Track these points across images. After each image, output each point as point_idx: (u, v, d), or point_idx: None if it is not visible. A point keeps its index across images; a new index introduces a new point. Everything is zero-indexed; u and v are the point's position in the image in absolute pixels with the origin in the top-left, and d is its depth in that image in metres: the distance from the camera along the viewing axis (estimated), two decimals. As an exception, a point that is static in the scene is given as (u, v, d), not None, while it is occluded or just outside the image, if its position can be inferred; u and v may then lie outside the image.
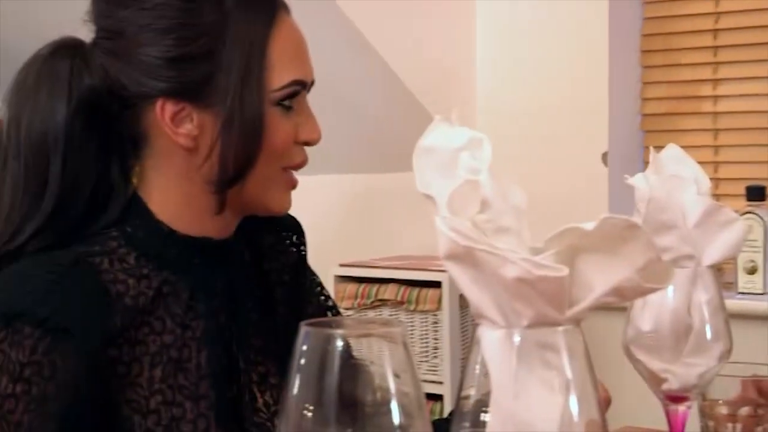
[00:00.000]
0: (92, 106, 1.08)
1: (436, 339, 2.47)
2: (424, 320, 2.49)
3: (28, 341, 0.99)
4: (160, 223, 1.11)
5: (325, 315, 1.28)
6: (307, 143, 1.15)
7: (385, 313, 2.54)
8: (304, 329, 0.64)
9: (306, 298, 1.29)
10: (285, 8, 1.13)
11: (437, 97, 2.66)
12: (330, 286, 2.60)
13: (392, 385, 0.65)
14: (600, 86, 2.65)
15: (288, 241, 1.29)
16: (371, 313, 2.55)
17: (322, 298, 1.32)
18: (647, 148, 2.73)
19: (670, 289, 0.97)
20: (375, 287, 2.54)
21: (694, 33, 2.69)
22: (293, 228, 1.30)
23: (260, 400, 1.14)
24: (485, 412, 0.64)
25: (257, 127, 1.07)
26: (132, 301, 1.06)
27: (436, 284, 2.47)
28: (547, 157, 2.70)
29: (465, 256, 0.61)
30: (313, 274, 1.33)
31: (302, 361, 0.64)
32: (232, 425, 1.11)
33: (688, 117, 2.73)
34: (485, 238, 0.60)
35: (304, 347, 0.64)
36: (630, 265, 0.60)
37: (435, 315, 2.47)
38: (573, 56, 2.68)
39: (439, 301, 2.45)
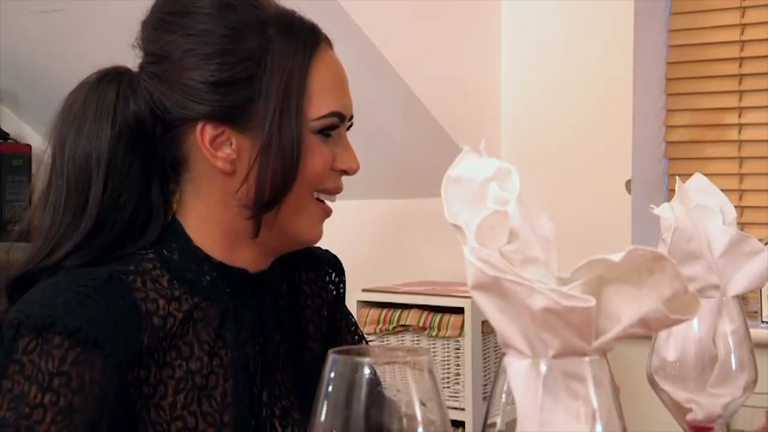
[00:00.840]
0: (136, 130, 1.11)
1: (457, 365, 2.47)
2: (446, 346, 2.49)
3: (58, 351, 1.00)
4: (197, 249, 1.13)
5: None
6: (345, 172, 1.17)
7: (407, 338, 2.54)
8: (331, 357, 0.65)
9: (340, 335, 1.30)
10: (327, 42, 1.16)
11: (461, 123, 2.67)
12: (353, 311, 2.60)
13: (419, 413, 0.65)
14: (624, 113, 2.65)
15: (327, 278, 1.31)
16: (393, 339, 2.55)
17: (356, 337, 1.33)
18: (671, 175, 2.73)
19: (696, 319, 0.97)
20: (397, 312, 2.55)
21: (719, 61, 2.69)
22: (333, 266, 1.33)
23: None
24: (511, 441, 0.64)
25: (295, 153, 1.09)
26: (160, 321, 1.08)
27: (459, 310, 2.46)
28: (570, 184, 2.70)
29: (493, 286, 0.61)
30: (348, 313, 1.35)
31: (329, 389, 0.65)
32: None
33: (713, 145, 2.72)
34: (513, 269, 0.61)
35: (332, 374, 0.65)
36: (657, 297, 0.60)
37: (457, 341, 2.47)
38: (597, 83, 2.69)
39: (462, 327, 2.45)
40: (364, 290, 2.62)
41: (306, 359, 1.23)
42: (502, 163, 0.66)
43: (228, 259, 1.14)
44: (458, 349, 2.46)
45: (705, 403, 0.98)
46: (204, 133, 1.10)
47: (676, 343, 0.98)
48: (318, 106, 1.11)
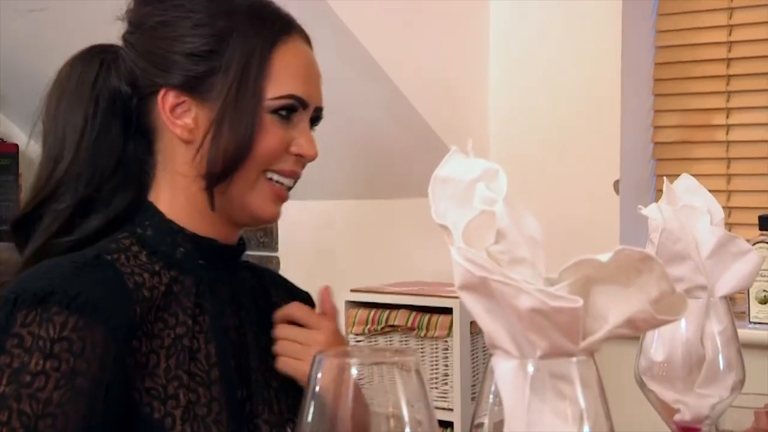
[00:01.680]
0: (114, 99, 1.19)
1: (446, 366, 2.47)
2: (434, 347, 2.49)
3: (59, 318, 1.03)
4: (170, 221, 1.19)
5: None
6: (301, 156, 1.21)
7: (396, 339, 2.54)
8: (317, 357, 0.65)
9: None
10: (302, 34, 1.22)
11: (449, 124, 2.67)
12: (341, 311, 2.60)
13: (406, 413, 0.65)
14: (613, 114, 2.65)
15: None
16: (381, 339, 2.55)
17: None
18: (659, 176, 2.73)
19: (683, 319, 0.97)
20: (386, 313, 2.54)
21: (707, 62, 2.69)
22: (306, 300, 1.37)
23: (275, 407, 1.20)
24: (498, 441, 0.64)
25: (248, 128, 1.15)
26: (148, 293, 1.13)
27: (447, 310, 2.46)
28: (558, 184, 2.70)
29: (480, 287, 0.61)
30: None
31: (316, 389, 0.65)
32: (244, 416, 1.16)
33: (701, 145, 2.73)
34: (500, 269, 0.61)
35: (318, 375, 0.65)
36: (644, 297, 0.60)
37: (445, 341, 2.47)
38: (586, 83, 2.69)
39: (450, 327, 2.45)
40: (352, 290, 2.62)
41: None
42: (489, 163, 0.66)
43: (199, 230, 1.19)
44: (446, 349, 2.46)
45: (692, 404, 0.98)
46: (165, 101, 1.17)
47: (664, 344, 0.98)
48: (277, 87, 1.17)
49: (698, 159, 2.72)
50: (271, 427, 1.18)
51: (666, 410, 1.00)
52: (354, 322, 2.56)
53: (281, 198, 1.21)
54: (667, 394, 0.99)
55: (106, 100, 1.19)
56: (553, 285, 0.62)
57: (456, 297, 2.39)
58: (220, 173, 1.15)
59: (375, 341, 2.54)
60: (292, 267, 2.99)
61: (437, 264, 2.65)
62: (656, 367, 0.99)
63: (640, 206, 0.97)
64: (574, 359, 0.62)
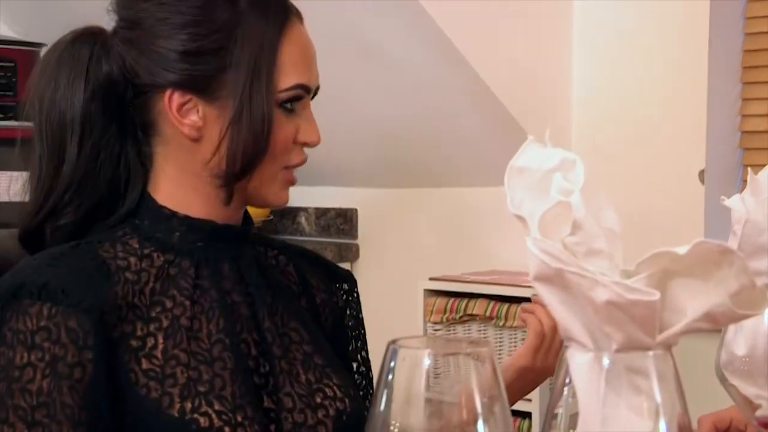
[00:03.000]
0: (108, 90, 1.16)
1: (525, 355, 2.45)
2: (512, 336, 2.47)
3: (32, 309, 1.05)
4: (164, 208, 1.18)
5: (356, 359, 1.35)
6: (307, 144, 1.20)
7: (474, 328, 2.53)
8: (392, 347, 0.65)
9: (344, 335, 1.34)
10: (298, 15, 1.19)
11: (531, 112, 2.64)
12: (419, 300, 2.60)
13: (479, 404, 0.65)
14: (699, 102, 2.60)
15: (337, 285, 1.34)
16: (460, 328, 2.54)
17: (357, 347, 1.36)
18: (746, 166, 2.67)
19: (766, 313, 0.95)
20: (464, 302, 2.54)
21: (798, 49, 2.62)
22: (347, 278, 1.36)
23: (303, 377, 1.19)
24: (573, 434, 0.64)
25: (266, 125, 1.14)
26: (134, 276, 1.12)
27: (526, 300, 2.45)
28: (642, 173, 2.66)
29: (555, 278, 0.61)
30: (360, 324, 1.37)
31: (389, 378, 0.65)
32: (267, 390, 1.15)
33: (790, 135, 2.66)
34: (576, 260, 0.60)
35: (392, 364, 0.65)
36: (723, 291, 0.59)
37: (524, 331, 2.45)
38: (671, 70, 2.64)
39: (529, 317, 2.43)
40: (431, 279, 2.62)
41: (322, 324, 1.29)
42: (566, 153, 0.65)
43: (194, 213, 1.18)
44: (525, 339, 2.45)
45: (775, 400, 0.96)
46: (172, 101, 1.14)
47: (746, 338, 0.96)
48: (286, 78, 1.15)
49: (787, 149, 2.65)
50: (298, 398, 1.17)
51: (747, 405, 0.98)
52: (432, 311, 2.56)
53: (293, 183, 1.22)
54: (749, 389, 0.97)
55: (102, 95, 1.16)
56: (631, 277, 0.61)
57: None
58: (239, 172, 1.15)
59: (453, 330, 2.54)
60: (372, 254, 3.00)
61: (516, 253, 2.63)
62: (738, 362, 0.97)
63: (722, 197, 0.95)
64: (651, 353, 0.61)
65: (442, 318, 2.54)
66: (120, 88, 1.16)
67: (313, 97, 1.21)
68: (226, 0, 1.14)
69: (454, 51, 2.41)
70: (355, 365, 1.34)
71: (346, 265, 3.00)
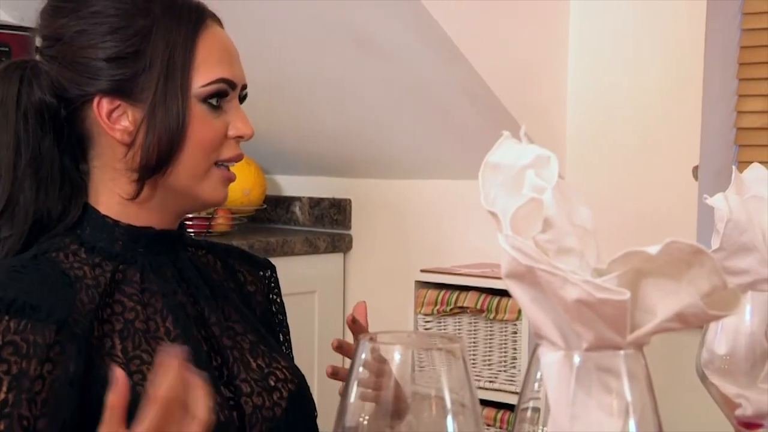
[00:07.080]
0: (41, 112, 1.22)
1: (514, 349, 2.45)
2: (503, 329, 2.47)
3: (1, 325, 1.07)
4: (106, 218, 1.22)
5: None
6: (240, 138, 1.25)
7: (465, 321, 2.53)
8: (363, 341, 0.65)
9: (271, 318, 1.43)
10: (215, 19, 1.26)
11: (526, 106, 2.64)
12: (410, 292, 2.60)
13: (449, 399, 0.65)
14: (694, 98, 2.59)
15: (262, 273, 1.42)
16: (450, 320, 2.54)
17: (282, 326, 1.45)
18: (742, 162, 2.66)
19: (747, 312, 0.95)
20: (455, 294, 2.54)
21: (795, 46, 2.61)
22: (267, 265, 1.44)
23: (253, 364, 1.25)
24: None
25: (180, 119, 1.19)
26: (92, 282, 1.17)
27: (518, 293, 2.45)
28: (636, 168, 2.65)
29: (526, 276, 0.60)
30: (281, 303, 1.45)
31: (360, 371, 0.65)
32: (223, 381, 1.21)
33: (785, 132, 2.65)
34: (547, 258, 0.60)
35: (363, 356, 0.65)
36: (694, 291, 0.58)
37: (514, 324, 2.45)
38: (667, 66, 2.63)
39: (519, 310, 2.43)
40: (422, 271, 2.61)
41: (254, 312, 1.36)
42: (541, 150, 0.65)
43: (134, 221, 1.23)
44: (515, 332, 2.45)
45: (755, 399, 0.96)
46: (100, 108, 1.20)
47: (727, 337, 0.96)
48: (204, 75, 1.21)
49: (782, 146, 2.65)
50: (254, 383, 1.23)
51: (727, 404, 0.98)
52: (423, 303, 2.56)
53: (231, 180, 1.26)
54: (729, 388, 0.97)
55: (34, 116, 1.21)
56: (603, 276, 0.60)
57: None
58: (155, 166, 1.19)
59: (444, 322, 2.54)
60: (365, 245, 3.00)
61: (509, 246, 2.63)
62: (718, 361, 0.97)
63: (705, 195, 0.94)
64: (622, 352, 0.61)
65: (432, 310, 2.54)
66: (54, 109, 1.22)
67: (244, 96, 1.28)
68: (142, 8, 1.20)
69: (451, 45, 2.40)
70: (281, 336, 1.43)
71: (339, 255, 3.01)
